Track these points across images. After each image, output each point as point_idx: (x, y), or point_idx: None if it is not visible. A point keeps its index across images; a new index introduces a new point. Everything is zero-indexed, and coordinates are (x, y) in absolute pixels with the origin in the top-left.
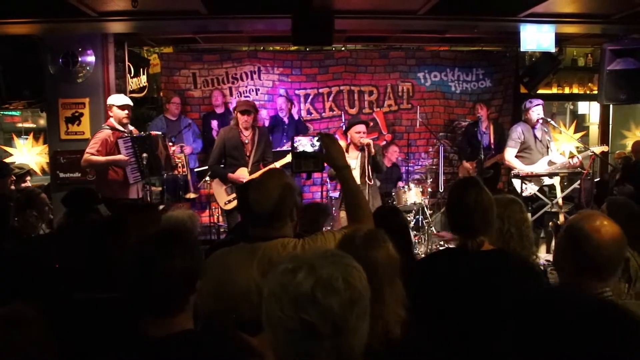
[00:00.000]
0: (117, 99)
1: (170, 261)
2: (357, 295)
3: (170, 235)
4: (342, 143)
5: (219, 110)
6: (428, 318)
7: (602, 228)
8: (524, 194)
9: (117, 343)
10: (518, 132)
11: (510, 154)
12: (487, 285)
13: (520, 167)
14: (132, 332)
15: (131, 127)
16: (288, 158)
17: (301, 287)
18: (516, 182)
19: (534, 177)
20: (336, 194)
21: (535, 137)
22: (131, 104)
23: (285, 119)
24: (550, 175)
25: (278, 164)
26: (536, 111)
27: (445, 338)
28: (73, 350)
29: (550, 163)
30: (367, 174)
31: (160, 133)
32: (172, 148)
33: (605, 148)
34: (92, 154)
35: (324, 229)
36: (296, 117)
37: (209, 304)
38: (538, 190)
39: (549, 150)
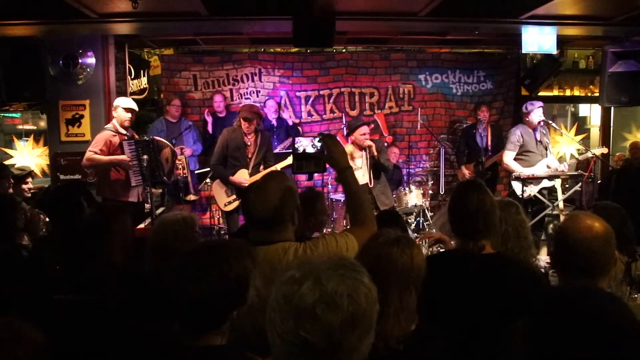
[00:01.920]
0: (123, 101)
1: (196, 283)
2: (360, 315)
3: (204, 255)
4: (349, 147)
5: (221, 115)
6: (428, 321)
7: (586, 227)
8: (523, 196)
9: (116, 345)
10: (517, 135)
11: (509, 157)
12: (487, 290)
13: (518, 169)
14: (135, 333)
15: (132, 131)
16: (289, 160)
17: (303, 301)
18: (515, 185)
19: (534, 179)
20: (337, 196)
21: (536, 139)
22: (136, 109)
23: (274, 122)
24: (551, 177)
25: (279, 166)
26: (537, 113)
27: (447, 344)
28: (66, 354)
29: (548, 167)
30: (369, 176)
31: (172, 146)
32: (179, 161)
33: (605, 150)
34: (95, 153)
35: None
36: (290, 122)
37: None
38: (538, 192)
39: (548, 152)
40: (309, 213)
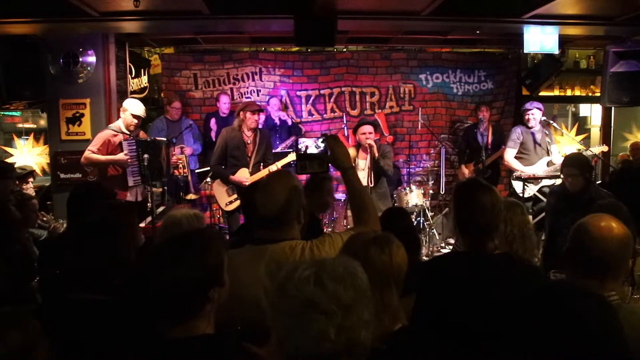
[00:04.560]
0: (134, 107)
1: (175, 268)
2: (363, 289)
3: (181, 241)
4: (351, 151)
5: (224, 115)
6: (436, 320)
7: (607, 227)
8: (523, 195)
9: (125, 340)
10: (517, 132)
11: (509, 155)
12: (501, 289)
13: (519, 168)
14: (147, 332)
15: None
16: (289, 158)
17: (304, 272)
18: (516, 184)
19: (533, 179)
20: (338, 196)
21: (535, 139)
22: (143, 115)
23: (277, 121)
24: (552, 177)
25: (279, 164)
26: (534, 115)
27: (455, 340)
28: (73, 352)
29: (550, 164)
30: (371, 178)
31: (165, 140)
32: (174, 153)
33: (604, 148)
34: (93, 152)
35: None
36: (289, 121)
37: (217, 309)
38: (537, 192)
39: (549, 152)
40: (317, 190)
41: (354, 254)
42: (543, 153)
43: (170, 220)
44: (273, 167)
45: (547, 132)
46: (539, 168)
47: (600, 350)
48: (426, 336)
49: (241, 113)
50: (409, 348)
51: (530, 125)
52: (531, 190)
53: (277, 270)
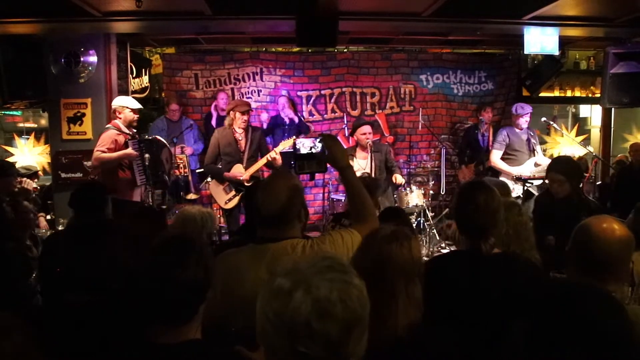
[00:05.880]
0: (131, 102)
1: (183, 270)
2: (355, 319)
3: (184, 243)
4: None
5: (223, 113)
6: (437, 320)
7: (610, 229)
8: (512, 194)
9: (116, 347)
10: (503, 134)
11: (495, 156)
12: (500, 288)
13: (505, 168)
14: (138, 338)
15: (134, 131)
16: (287, 143)
17: (297, 315)
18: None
19: (534, 179)
20: (338, 196)
21: (521, 141)
22: (141, 107)
23: (286, 119)
24: (540, 178)
25: (277, 150)
26: (525, 119)
27: (458, 340)
28: (67, 354)
29: (536, 165)
30: (376, 176)
31: (168, 146)
32: (181, 160)
33: (591, 149)
34: (103, 152)
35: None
36: (296, 119)
37: (217, 307)
38: (525, 191)
39: (535, 153)
40: None
41: (377, 253)
42: (530, 154)
43: (183, 216)
44: (273, 153)
45: (532, 134)
46: (527, 169)
47: (610, 348)
48: (448, 329)
49: (231, 112)
50: (432, 338)
51: (520, 127)
52: (519, 189)
53: None
